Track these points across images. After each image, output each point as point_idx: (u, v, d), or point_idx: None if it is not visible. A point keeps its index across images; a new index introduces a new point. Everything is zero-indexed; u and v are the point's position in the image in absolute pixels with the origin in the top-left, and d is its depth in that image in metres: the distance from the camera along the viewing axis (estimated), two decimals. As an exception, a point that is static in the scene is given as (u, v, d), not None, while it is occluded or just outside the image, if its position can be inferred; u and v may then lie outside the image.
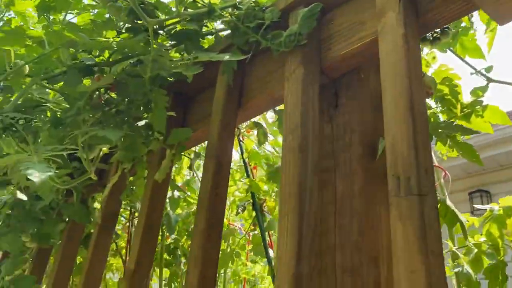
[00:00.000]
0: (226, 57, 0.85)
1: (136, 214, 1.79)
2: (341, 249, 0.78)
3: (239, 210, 1.40)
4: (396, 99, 0.68)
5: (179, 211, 1.69)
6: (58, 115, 0.87)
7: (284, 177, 0.80)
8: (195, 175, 1.70)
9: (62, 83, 0.91)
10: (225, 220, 1.79)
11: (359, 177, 0.81)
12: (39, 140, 0.90)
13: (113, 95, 1.02)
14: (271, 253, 1.29)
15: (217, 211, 0.95)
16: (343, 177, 0.83)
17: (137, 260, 1.08)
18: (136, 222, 1.84)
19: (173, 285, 1.82)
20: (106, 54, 1.00)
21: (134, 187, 1.51)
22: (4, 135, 0.87)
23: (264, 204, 1.33)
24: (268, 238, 1.30)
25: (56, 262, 1.46)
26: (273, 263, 1.27)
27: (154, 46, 0.83)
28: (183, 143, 1.04)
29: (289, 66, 0.90)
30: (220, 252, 1.65)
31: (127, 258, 1.90)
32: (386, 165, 0.85)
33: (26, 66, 0.88)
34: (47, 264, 1.67)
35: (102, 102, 0.98)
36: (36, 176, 0.61)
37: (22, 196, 1.40)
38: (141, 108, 0.93)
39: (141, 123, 0.95)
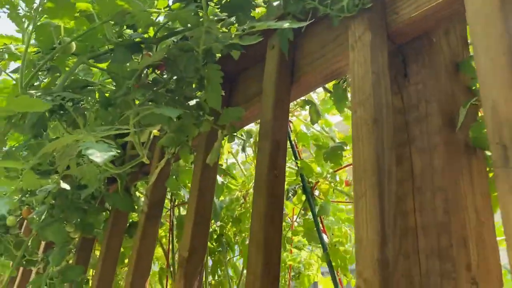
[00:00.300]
0: (286, 24, 0.77)
1: (177, 202, 1.75)
2: (423, 230, 0.71)
3: (290, 194, 1.34)
4: (495, 59, 0.59)
5: (221, 197, 1.64)
6: (107, 95, 0.82)
7: (356, 153, 0.73)
8: (244, 155, 1.62)
9: (108, 62, 0.86)
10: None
11: (440, 150, 0.73)
12: (87, 124, 0.85)
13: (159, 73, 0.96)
14: (325, 238, 1.22)
15: (277, 193, 0.89)
16: (421, 152, 0.75)
17: (190, 247, 1.03)
18: (177, 210, 1.80)
19: (216, 274, 1.77)
20: (151, 31, 0.95)
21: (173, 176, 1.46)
22: (51, 119, 0.83)
23: (316, 188, 1.26)
24: (320, 223, 1.24)
25: (102, 253, 1.43)
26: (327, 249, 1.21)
27: (208, 16, 0.76)
28: (234, 124, 0.98)
29: (354, 32, 0.82)
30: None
31: (169, 247, 1.87)
32: (468, 136, 0.77)
33: (73, 43, 0.82)
34: (91, 255, 1.65)
35: (149, 81, 0.92)
36: (97, 156, 0.56)
37: (65, 185, 1.37)
38: (193, 86, 0.87)
39: (192, 102, 0.89)
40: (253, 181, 1.60)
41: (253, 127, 1.64)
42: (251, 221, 0.87)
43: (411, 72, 0.83)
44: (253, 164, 1.67)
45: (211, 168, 1.11)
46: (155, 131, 0.97)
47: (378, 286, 0.61)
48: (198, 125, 0.93)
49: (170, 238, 1.78)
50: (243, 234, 1.62)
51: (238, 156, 1.83)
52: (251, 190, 1.56)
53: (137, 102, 0.84)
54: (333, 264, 1.24)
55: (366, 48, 0.78)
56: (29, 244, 1.39)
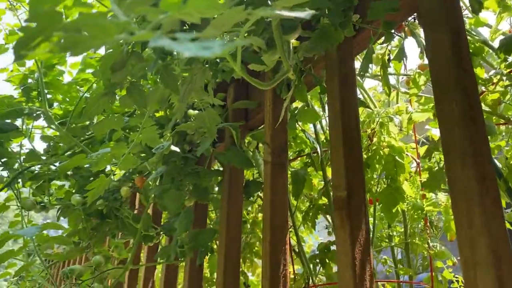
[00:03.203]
0: None
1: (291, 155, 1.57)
2: None
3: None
4: None
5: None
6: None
7: None
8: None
9: None
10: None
11: None
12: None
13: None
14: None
15: (469, 90, 0.67)
16: None
17: (347, 185, 0.84)
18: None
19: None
20: None
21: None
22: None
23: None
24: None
25: (223, 217, 1.28)
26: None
27: None
28: (389, 19, 0.76)
29: None
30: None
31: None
32: None
33: None
34: (205, 223, 1.53)
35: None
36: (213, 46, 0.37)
37: (175, 148, 1.24)
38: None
39: (336, -7, 0.69)
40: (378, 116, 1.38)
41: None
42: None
43: None
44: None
45: (351, 89, 0.91)
46: (294, 41, 0.78)
47: None
48: (345, 26, 0.73)
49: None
50: (371, 182, 1.41)
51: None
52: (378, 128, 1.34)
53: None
54: None
55: None
56: (145, 216, 1.28)
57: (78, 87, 1.41)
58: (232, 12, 0.31)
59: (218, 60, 0.80)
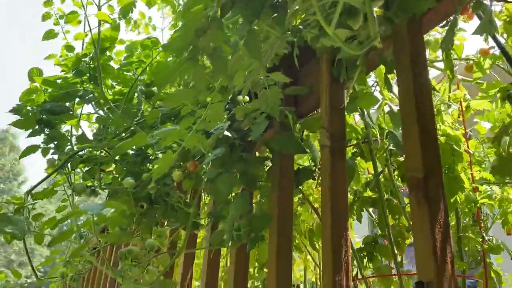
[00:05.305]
0: None
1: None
2: None
3: None
4: None
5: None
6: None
7: None
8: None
9: None
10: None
11: None
12: None
13: None
14: None
15: None
16: None
17: (423, 165, 0.80)
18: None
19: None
20: None
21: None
22: None
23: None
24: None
25: (274, 206, 1.25)
26: None
27: None
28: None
29: None
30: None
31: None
32: None
33: None
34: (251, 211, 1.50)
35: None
36: None
37: (227, 133, 1.22)
38: None
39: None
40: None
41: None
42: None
43: None
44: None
45: (422, 66, 0.87)
46: (377, 9, 0.75)
47: None
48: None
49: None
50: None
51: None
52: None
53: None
54: None
55: None
56: (196, 201, 1.26)
57: (126, 72, 1.40)
58: None
59: (301, 26, 0.77)
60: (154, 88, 1.45)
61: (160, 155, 1.44)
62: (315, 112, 1.38)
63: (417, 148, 0.82)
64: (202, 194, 1.71)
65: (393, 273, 1.48)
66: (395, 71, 0.95)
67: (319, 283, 2.46)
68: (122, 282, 0.97)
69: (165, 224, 1.46)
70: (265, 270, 1.94)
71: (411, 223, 1.46)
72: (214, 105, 0.82)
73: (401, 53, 0.89)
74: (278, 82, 1.44)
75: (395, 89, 1.42)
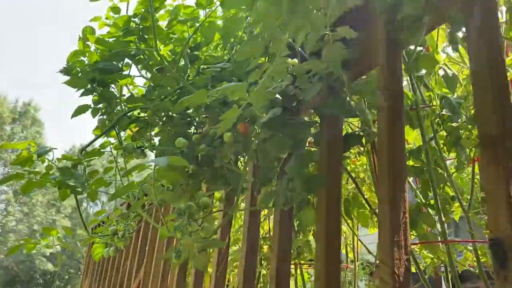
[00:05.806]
0: None
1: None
2: None
3: None
4: None
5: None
6: None
7: None
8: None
9: None
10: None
11: None
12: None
13: None
14: None
15: None
16: None
17: (497, 121, 0.79)
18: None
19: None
20: None
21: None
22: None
23: None
24: None
25: (323, 168, 1.24)
26: None
27: None
28: None
29: None
30: None
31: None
32: None
33: None
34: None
35: None
36: None
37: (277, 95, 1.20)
38: None
39: None
40: None
41: None
42: None
43: None
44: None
45: (495, 20, 0.84)
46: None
47: None
48: None
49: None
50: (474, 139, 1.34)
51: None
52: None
53: None
54: None
55: None
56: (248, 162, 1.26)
57: (172, 35, 1.39)
58: None
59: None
60: (198, 52, 1.45)
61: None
62: (365, 77, 1.35)
63: (489, 103, 0.80)
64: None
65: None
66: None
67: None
68: (181, 237, 0.98)
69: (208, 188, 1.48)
70: (301, 237, 1.95)
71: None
72: (280, 60, 0.81)
73: (471, 7, 0.86)
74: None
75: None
